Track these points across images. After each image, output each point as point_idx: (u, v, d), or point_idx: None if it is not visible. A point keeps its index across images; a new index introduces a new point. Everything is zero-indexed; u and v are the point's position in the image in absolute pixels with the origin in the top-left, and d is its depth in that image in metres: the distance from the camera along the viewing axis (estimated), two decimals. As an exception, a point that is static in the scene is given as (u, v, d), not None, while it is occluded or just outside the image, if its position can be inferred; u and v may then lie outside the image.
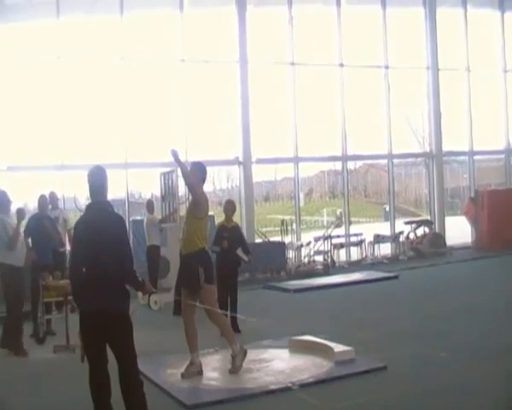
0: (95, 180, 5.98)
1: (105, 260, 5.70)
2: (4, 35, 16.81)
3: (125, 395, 5.79)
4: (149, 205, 15.53)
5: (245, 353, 8.47)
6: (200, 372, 8.30)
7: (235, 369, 8.35)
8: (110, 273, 5.68)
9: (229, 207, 11.52)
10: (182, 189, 16.39)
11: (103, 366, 5.88)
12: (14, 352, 9.90)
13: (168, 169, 15.11)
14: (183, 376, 8.19)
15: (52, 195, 13.52)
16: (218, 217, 17.11)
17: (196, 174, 8.40)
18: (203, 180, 8.58)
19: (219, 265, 11.02)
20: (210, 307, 8.33)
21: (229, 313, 10.62)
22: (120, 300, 5.79)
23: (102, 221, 5.84)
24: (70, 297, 9.37)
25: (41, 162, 17.21)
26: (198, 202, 8.29)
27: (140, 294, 13.62)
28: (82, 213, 6.27)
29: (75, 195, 15.93)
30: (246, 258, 11.22)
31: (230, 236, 11.07)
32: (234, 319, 10.62)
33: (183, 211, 15.87)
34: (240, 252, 11.14)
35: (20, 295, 10.12)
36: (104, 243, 5.72)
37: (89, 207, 6.06)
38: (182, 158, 8.39)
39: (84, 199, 15.04)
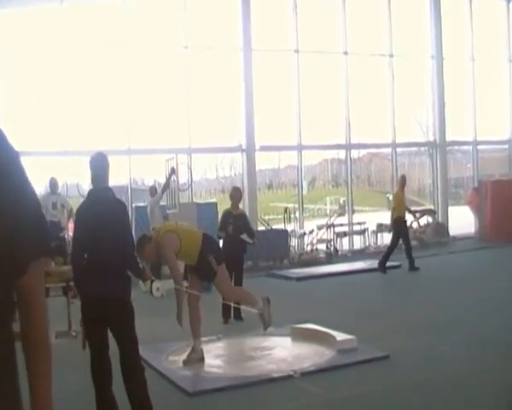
0: (97, 166, 5.95)
1: (106, 246, 5.70)
2: (6, 20, 16.77)
3: (126, 380, 5.79)
4: (152, 190, 15.55)
5: (268, 302, 8.64)
6: (202, 360, 8.29)
7: (266, 324, 8.54)
8: (111, 259, 5.68)
9: (235, 195, 11.52)
10: (184, 175, 16.41)
11: (105, 352, 5.88)
12: None
13: (172, 156, 15.08)
14: (184, 363, 8.18)
15: (52, 180, 13.78)
16: (221, 204, 17.11)
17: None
18: None
19: (224, 250, 11.07)
20: (225, 287, 8.57)
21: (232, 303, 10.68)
22: (122, 286, 5.79)
23: (104, 207, 5.82)
24: (72, 283, 9.37)
25: (43, 148, 17.19)
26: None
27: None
28: (84, 199, 6.25)
29: (78, 181, 15.94)
30: (250, 241, 11.21)
31: (235, 222, 11.05)
32: (237, 307, 10.66)
33: (183, 198, 15.91)
34: (244, 236, 11.13)
35: None
36: (105, 228, 5.71)
37: (90, 192, 6.05)
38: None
39: (86, 185, 15.03)
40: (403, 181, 16.66)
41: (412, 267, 15.93)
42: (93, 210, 5.84)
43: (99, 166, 5.96)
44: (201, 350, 8.35)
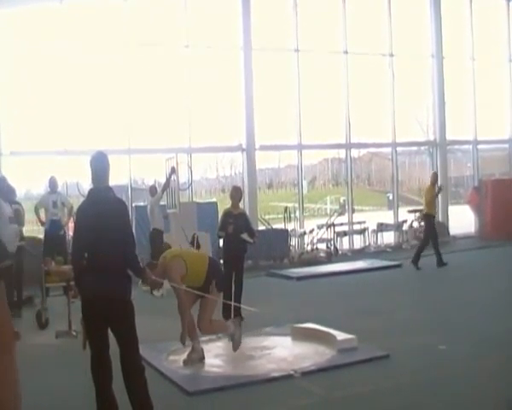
0: (97, 166, 5.95)
1: (107, 245, 5.70)
2: (6, 20, 16.77)
3: (127, 380, 5.79)
4: (152, 189, 15.55)
5: (239, 323, 8.75)
6: (202, 359, 8.30)
7: (236, 344, 8.44)
8: (112, 258, 5.68)
9: (236, 194, 11.48)
10: (184, 175, 16.41)
11: (105, 352, 5.87)
12: None
13: (172, 155, 15.07)
14: (185, 362, 8.18)
15: (51, 179, 13.88)
16: (221, 203, 17.12)
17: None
18: None
19: (225, 249, 11.17)
20: (206, 315, 8.37)
21: (232, 302, 10.73)
22: (122, 285, 5.79)
23: (104, 206, 5.83)
24: (72, 283, 9.38)
25: (44, 147, 17.20)
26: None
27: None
28: (84, 199, 6.25)
29: (78, 180, 15.95)
30: (251, 240, 11.19)
31: (236, 222, 11.04)
32: (237, 307, 10.69)
33: (183, 198, 15.92)
34: (245, 235, 11.12)
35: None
36: (106, 227, 5.71)
37: (91, 192, 6.03)
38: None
39: (87, 184, 15.04)
40: (435, 177, 17.13)
41: (415, 264, 16.13)
42: (94, 210, 5.83)
43: (99, 165, 5.96)
44: (202, 350, 8.36)
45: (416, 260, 16.14)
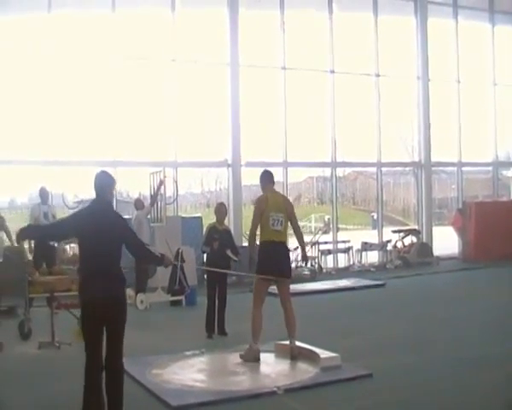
0: (100, 183, 6.28)
1: (107, 253, 6.05)
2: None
3: (109, 379, 6.02)
4: (138, 203, 15.45)
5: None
6: (258, 360, 8.82)
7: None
8: (111, 264, 6.09)
9: (222, 210, 11.50)
10: (169, 189, 16.36)
11: (101, 354, 6.08)
12: None
13: (158, 169, 15.04)
14: (241, 356, 8.84)
15: (43, 190, 13.65)
16: (206, 218, 17.09)
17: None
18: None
19: (209, 265, 11.14)
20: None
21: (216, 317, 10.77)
22: (121, 288, 6.22)
23: (107, 214, 6.25)
24: (56, 294, 9.34)
25: (29, 157, 17.09)
26: None
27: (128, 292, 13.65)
28: (86, 206, 6.47)
29: (63, 192, 15.86)
30: (235, 258, 11.24)
31: (221, 237, 11.06)
32: (221, 321, 10.73)
33: (168, 212, 15.88)
34: (229, 252, 11.17)
35: None
36: (106, 236, 6.05)
37: (94, 201, 6.30)
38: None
39: (72, 196, 14.99)
40: None
41: None
42: (98, 216, 6.15)
43: (101, 182, 6.30)
44: (258, 350, 8.84)
45: None
